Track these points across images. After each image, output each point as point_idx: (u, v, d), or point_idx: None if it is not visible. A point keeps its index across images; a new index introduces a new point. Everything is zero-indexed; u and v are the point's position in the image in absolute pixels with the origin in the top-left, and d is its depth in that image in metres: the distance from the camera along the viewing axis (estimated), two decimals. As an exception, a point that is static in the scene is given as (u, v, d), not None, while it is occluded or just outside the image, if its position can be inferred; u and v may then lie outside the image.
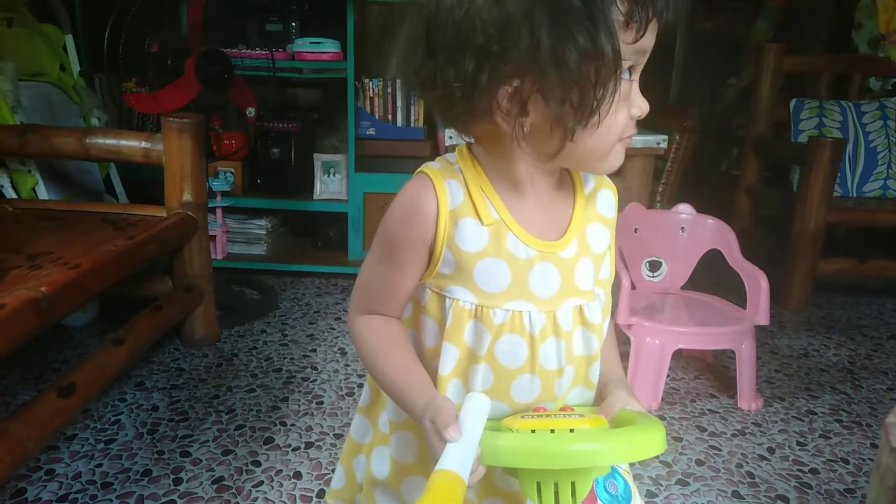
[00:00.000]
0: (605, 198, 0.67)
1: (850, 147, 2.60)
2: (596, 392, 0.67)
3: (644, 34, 0.53)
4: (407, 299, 0.64)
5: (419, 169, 0.62)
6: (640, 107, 0.57)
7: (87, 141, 1.76)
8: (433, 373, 0.62)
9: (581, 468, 0.51)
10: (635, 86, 0.57)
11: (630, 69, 0.56)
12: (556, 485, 0.51)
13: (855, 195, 2.62)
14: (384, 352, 0.62)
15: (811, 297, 2.43)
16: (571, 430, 0.52)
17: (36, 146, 1.76)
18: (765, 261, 1.81)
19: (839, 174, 2.46)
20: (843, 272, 2.46)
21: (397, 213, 0.61)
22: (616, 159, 0.59)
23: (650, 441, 0.50)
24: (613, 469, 0.60)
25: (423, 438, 0.62)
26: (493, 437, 0.51)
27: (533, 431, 0.52)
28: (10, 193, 1.87)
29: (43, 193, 1.92)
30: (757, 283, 1.68)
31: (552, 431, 0.52)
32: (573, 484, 0.51)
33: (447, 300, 0.60)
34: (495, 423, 0.58)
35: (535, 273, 0.60)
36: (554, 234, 0.62)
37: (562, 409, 0.57)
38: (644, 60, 0.56)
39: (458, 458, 0.49)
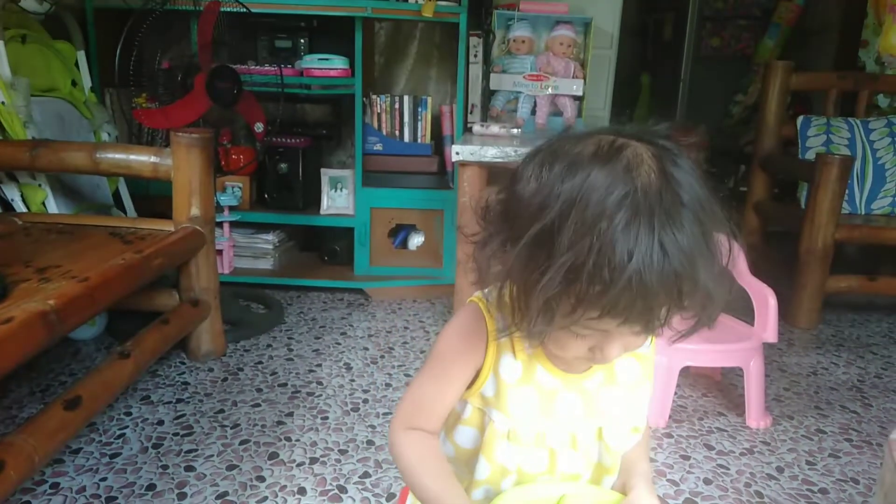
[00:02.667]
0: None
1: (857, 164, 2.59)
2: (619, 476, 0.73)
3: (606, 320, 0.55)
4: (447, 415, 0.71)
5: (475, 297, 0.69)
6: (603, 353, 0.60)
7: (97, 155, 1.77)
8: (469, 470, 0.70)
9: None
10: (612, 341, 0.59)
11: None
12: None
13: (863, 212, 2.61)
14: (424, 464, 0.67)
15: (820, 314, 2.41)
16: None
17: (46, 160, 1.77)
18: (773, 278, 1.80)
19: (847, 191, 2.45)
20: (853, 289, 2.44)
21: (453, 339, 0.69)
22: (576, 367, 0.67)
23: None
24: None
25: None
26: None
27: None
28: (21, 207, 1.89)
29: (52, 207, 1.94)
30: (765, 300, 1.67)
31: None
32: None
33: (486, 417, 0.69)
34: None
35: (559, 400, 0.68)
36: (581, 368, 0.69)
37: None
38: (624, 333, 0.58)
39: None
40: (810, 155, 2.59)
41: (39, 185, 1.92)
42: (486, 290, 0.66)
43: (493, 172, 2.02)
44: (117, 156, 1.79)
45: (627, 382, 0.70)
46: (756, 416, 1.69)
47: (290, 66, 2.48)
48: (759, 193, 2.85)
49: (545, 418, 0.67)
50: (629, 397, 0.70)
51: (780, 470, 1.50)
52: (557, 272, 0.52)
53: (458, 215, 2.05)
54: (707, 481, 1.45)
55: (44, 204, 1.93)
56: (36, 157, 1.76)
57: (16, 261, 1.46)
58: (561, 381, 0.68)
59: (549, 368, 0.67)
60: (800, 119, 2.72)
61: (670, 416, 1.69)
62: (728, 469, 1.50)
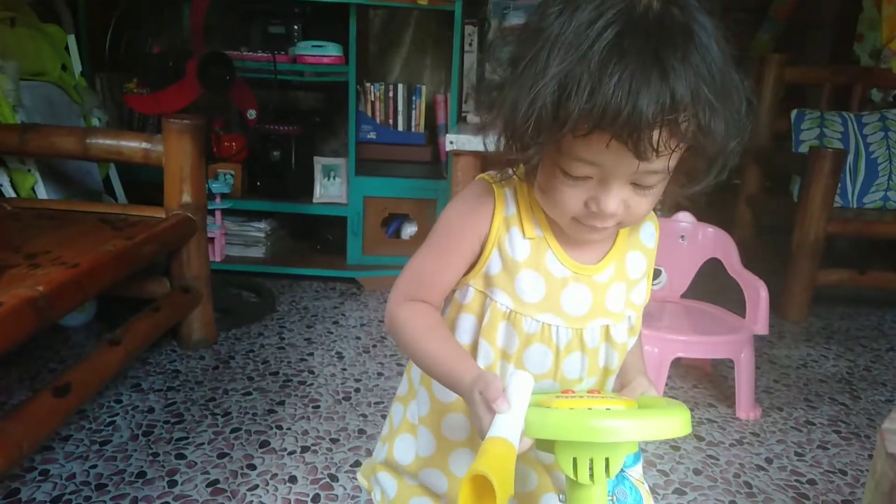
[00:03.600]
0: (648, 229, 0.71)
1: (850, 158, 2.60)
2: (617, 378, 0.71)
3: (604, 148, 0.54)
4: (448, 291, 0.68)
5: (484, 175, 0.67)
6: (599, 205, 0.58)
7: (88, 141, 1.76)
8: None
9: (615, 445, 0.54)
10: (608, 188, 0.57)
11: (603, 175, 0.57)
12: (591, 460, 0.54)
13: (855, 206, 2.62)
14: (430, 332, 0.64)
15: (810, 307, 2.43)
16: (608, 409, 0.55)
17: (36, 145, 1.75)
18: (765, 270, 1.80)
19: (840, 185, 2.46)
20: (843, 283, 2.46)
21: (458, 206, 0.66)
22: (574, 233, 0.63)
23: (680, 422, 0.54)
24: (623, 477, 0.61)
25: (439, 437, 0.70)
26: (537, 412, 0.54)
27: (571, 409, 0.55)
28: (10, 192, 1.87)
29: (42, 193, 1.92)
30: (756, 292, 1.68)
31: (589, 409, 0.55)
32: (607, 460, 0.54)
33: (488, 299, 0.65)
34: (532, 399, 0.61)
35: (567, 291, 0.65)
36: (593, 258, 0.66)
37: (589, 392, 0.60)
38: (618, 175, 0.56)
39: (508, 427, 0.52)
40: (804, 148, 2.59)
41: (29, 171, 1.90)
42: (494, 171, 0.65)
43: (487, 162, 2.01)
44: (108, 141, 1.77)
45: (633, 279, 0.69)
46: (746, 408, 1.70)
47: (283, 52, 2.46)
48: (751, 187, 2.86)
49: (551, 310, 0.64)
50: (629, 291, 0.69)
51: (769, 461, 1.52)
52: (551, 80, 0.51)
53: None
54: (697, 472, 1.45)
55: (33, 189, 1.91)
56: (25, 142, 1.74)
57: (5, 246, 1.44)
58: (572, 270, 0.65)
59: (560, 256, 0.65)
60: (794, 113, 2.73)
61: (661, 407, 1.70)
62: (717, 460, 1.51)
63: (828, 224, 2.33)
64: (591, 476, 0.54)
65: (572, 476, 0.54)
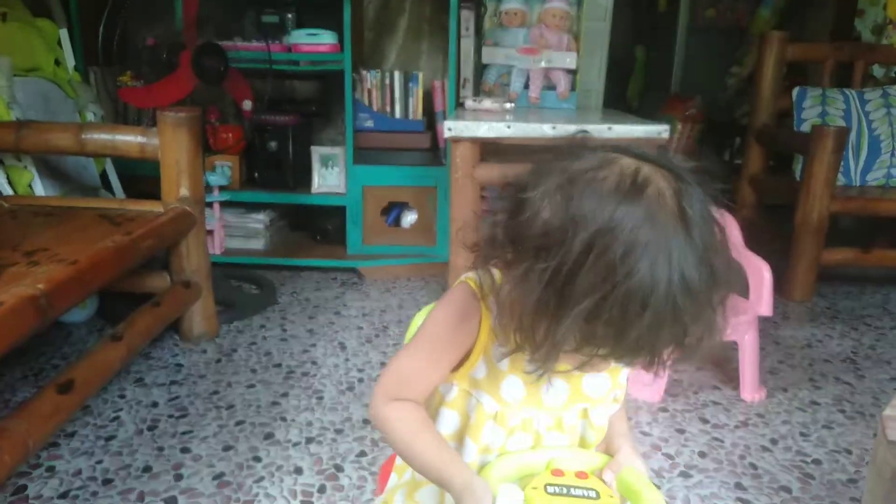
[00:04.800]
0: None
1: (853, 135, 2.58)
2: (603, 439, 0.73)
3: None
4: (433, 391, 0.71)
5: (467, 279, 0.68)
6: (595, 370, 0.60)
7: (83, 136, 1.74)
8: None
9: None
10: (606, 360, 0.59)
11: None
12: None
13: (858, 184, 2.60)
14: (420, 433, 0.66)
15: (815, 287, 2.42)
16: None
17: (31, 142, 1.74)
18: (768, 251, 1.79)
19: (842, 163, 2.44)
20: (847, 262, 2.44)
21: (447, 316, 0.68)
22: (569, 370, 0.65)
23: None
24: None
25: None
26: None
27: None
28: (6, 189, 1.86)
29: (39, 189, 1.91)
30: (760, 273, 1.67)
31: None
32: None
33: (473, 399, 0.69)
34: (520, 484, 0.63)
35: (546, 387, 0.68)
36: None
37: (577, 475, 0.62)
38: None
39: None
40: (806, 127, 2.57)
41: (25, 167, 1.89)
42: (479, 272, 0.66)
43: (486, 148, 1.99)
44: (103, 136, 1.76)
45: (613, 366, 0.70)
46: (750, 390, 1.69)
47: (277, 41, 2.44)
48: (754, 166, 2.84)
49: (533, 405, 0.68)
50: (614, 378, 0.71)
51: (774, 442, 1.51)
52: (575, 319, 0.52)
53: (452, 193, 2.03)
54: (702, 454, 1.45)
55: (30, 186, 1.90)
56: (21, 139, 1.73)
57: (3, 244, 1.44)
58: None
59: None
60: (795, 90, 2.70)
61: (666, 391, 1.69)
62: (723, 442, 1.51)
63: (831, 202, 2.32)
64: None
65: None
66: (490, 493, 0.58)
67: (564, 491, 0.58)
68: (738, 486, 1.35)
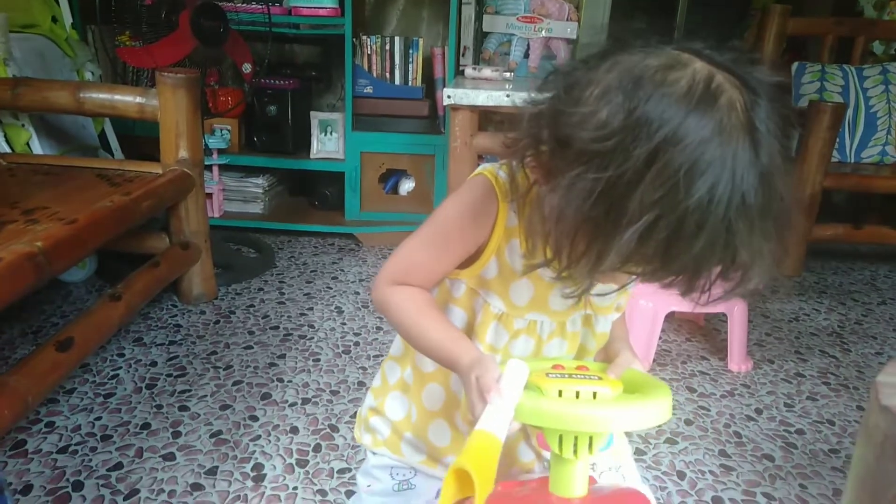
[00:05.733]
0: None
1: (850, 112, 2.58)
2: (602, 348, 0.71)
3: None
4: (438, 283, 0.68)
5: (486, 171, 0.62)
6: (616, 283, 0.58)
7: (81, 95, 1.74)
8: None
9: None
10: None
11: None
12: (575, 438, 0.56)
13: (853, 160, 2.61)
14: (425, 313, 0.64)
15: (805, 262, 2.45)
16: (594, 395, 0.56)
17: (28, 100, 1.74)
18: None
19: (838, 139, 2.44)
20: (838, 238, 2.47)
21: (460, 207, 0.64)
22: None
23: (664, 408, 0.55)
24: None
25: (420, 406, 0.72)
26: (528, 398, 0.55)
27: (560, 394, 0.56)
28: (4, 147, 1.86)
29: (37, 148, 1.90)
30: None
31: (577, 395, 0.56)
32: (591, 438, 0.56)
33: (480, 299, 0.66)
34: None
35: (555, 292, 0.65)
36: None
37: (578, 368, 0.60)
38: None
39: (497, 420, 0.53)
40: (803, 102, 2.57)
41: (23, 126, 1.88)
42: (505, 167, 0.61)
43: (486, 115, 2.00)
44: (101, 96, 1.75)
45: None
46: (738, 361, 1.73)
47: (277, 3, 2.41)
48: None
49: (539, 309, 0.65)
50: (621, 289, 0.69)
51: (758, 411, 1.55)
52: (629, 240, 0.47)
53: (451, 161, 2.03)
54: (688, 422, 1.49)
55: (28, 145, 1.90)
56: (18, 96, 1.72)
57: (1, 202, 1.44)
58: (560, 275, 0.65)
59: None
60: (794, 65, 2.69)
61: (654, 360, 1.73)
62: (709, 410, 1.54)
63: (825, 178, 2.33)
64: (575, 452, 0.56)
65: (556, 451, 0.56)
66: (497, 366, 0.56)
67: (566, 376, 0.58)
68: (723, 453, 1.39)
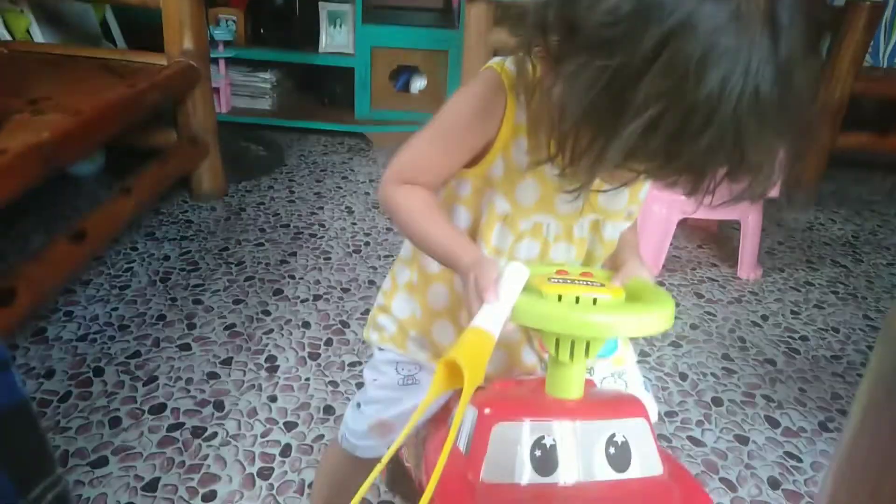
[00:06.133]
0: None
1: (888, 13, 2.44)
2: (610, 255, 0.70)
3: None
4: (445, 182, 0.67)
5: (495, 64, 0.60)
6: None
7: (80, -21, 1.66)
8: None
9: None
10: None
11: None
12: (572, 342, 0.56)
13: (885, 65, 2.50)
14: (428, 213, 0.63)
15: (825, 170, 2.39)
16: (594, 301, 0.56)
17: (26, -17, 1.67)
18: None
19: (872, 42, 2.33)
20: (863, 146, 2.39)
21: (469, 101, 0.62)
22: None
23: (663, 317, 0.55)
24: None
25: (425, 305, 0.72)
26: (527, 300, 0.55)
27: (560, 299, 0.56)
28: (4, 34, 1.80)
29: (38, 35, 1.85)
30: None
31: (577, 300, 0.56)
32: (588, 343, 0.56)
33: (485, 199, 0.65)
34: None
35: (562, 194, 0.62)
36: None
37: (582, 274, 0.60)
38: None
39: (491, 318, 0.53)
40: (839, 1, 2.43)
41: (21, 11, 1.82)
42: (515, 58, 0.58)
43: (502, 10, 1.90)
44: (101, -20, 1.67)
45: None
46: (748, 268, 1.73)
47: None
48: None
49: (545, 210, 0.64)
50: (633, 193, 0.67)
51: (764, 318, 1.57)
52: (633, 133, 0.45)
53: (465, 58, 1.96)
54: (693, 326, 1.51)
55: (28, 32, 1.84)
56: (14, -21, 1.65)
57: (5, 91, 1.41)
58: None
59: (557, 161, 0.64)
60: (834, -40, 2.52)
61: (664, 266, 1.73)
62: (715, 316, 1.56)
63: (855, 83, 2.24)
64: (572, 356, 0.56)
65: (553, 354, 0.56)
66: (497, 266, 0.55)
67: (569, 281, 0.57)
68: (726, 356, 1.41)
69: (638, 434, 0.56)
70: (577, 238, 0.67)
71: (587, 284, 0.57)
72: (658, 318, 0.54)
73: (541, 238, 0.66)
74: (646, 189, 0.68)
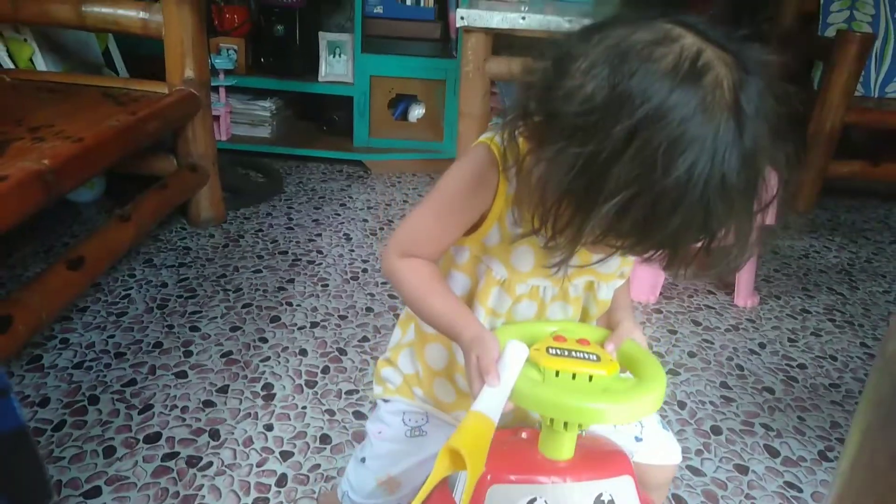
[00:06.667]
0: None
1: (878, 43, 2.48)
2: (604, 313, 0.72)
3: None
4: (444, 253, 0.69)
5: (487, 139, 0.63)
6: (605, 261, 0.58)
7: (83, 9, 1.68)
8: None
9: None
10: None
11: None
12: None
13: (877, 95, 2.54)
14: (430, 286, 0.65)
15: (819, 198, 2.41)
16: (590, 378, 0.58)
17: (29, 12, 1.69)
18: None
19: (863, 72, 2.37)
20: (855, 175, 2.42)
21: (463, 176, 0.65)
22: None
23: (653, 403, 0.58)
24: None
25: (424, 363, 0.74)
26: (525, 383, 0.57)
27: (557, 374, 0.58)
28: (7, 63, 1.82)
29: (41, 64, 1.87)
30: (767, 181, 1.66)
31: (574, 377, 0.58)
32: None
33: (483, 265, 0.67)
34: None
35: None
36: None
37: (579, 342, 0.62)
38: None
39: (492, 403, 0.55)
40: (830, 32, 2.48)
41: (25, 40, 1.84)
42: (503, 136, 0.61)
43: (500, 40, 1.93)
44: (104, 10, 1.70)
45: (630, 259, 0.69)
46: (744, 296, 1.73)
47: (284, -85, 2.30)
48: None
49: (541, 275, 0.66)
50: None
51: (762, 346, 1.57)
52: (606, 215, 0.48)
53: (462, 87, 1.98)
54: (691, 354, 1.51)
55: (31, 60, 1.86)
56: (18, 9, 1.67)
57: (7, 119, 1.43)
58: None
59: None
60: (824, -8, 2.58)
61: (661, 293, 1.73)
62: (712, 343, 1.56)
63: (847, 113, 2.27)
64: (566, 427, 0.58)
65: (547, 424, 0.59)
66: (498, 345, 0.58)
67: (566, 353, 0.59)
68: (724, 385, 1.41)
69: (624, 491, 0.60)
70: (572, 297, 0.69)
71: (584, 359, 0.59)
72: (648, 404, 0.58)
73: (538, 299, 0.68)
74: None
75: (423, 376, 0.75)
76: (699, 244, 0.52)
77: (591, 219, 0.49)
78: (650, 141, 0.47)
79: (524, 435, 0.65)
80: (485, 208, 0.64)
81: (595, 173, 0.48)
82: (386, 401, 0.77)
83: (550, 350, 0.59)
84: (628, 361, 0.64)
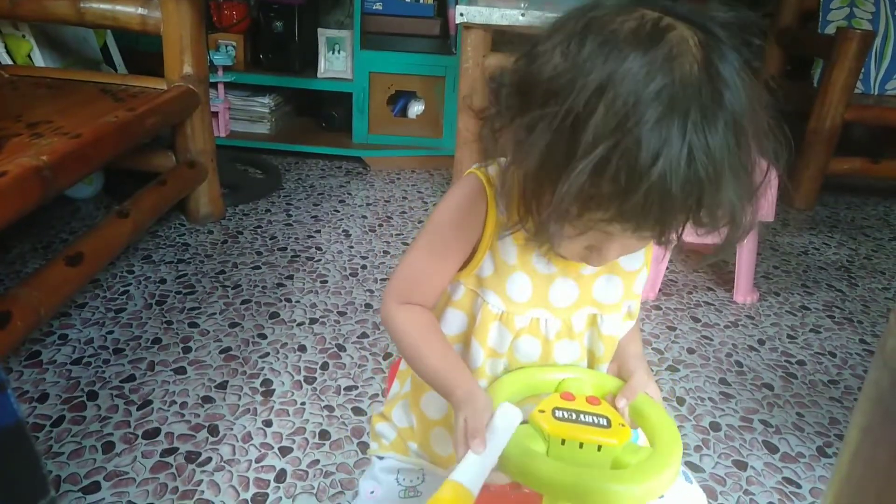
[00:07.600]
0: None
1: (878, 41, 2.48)
2: (614, 362, 0.70)
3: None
4: (442, 292, 0.68)
5: (476, 171, 0.63)
6: (600, 254, 0.57)
7: (82, 5, 1.68)
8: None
9: None
10: (612, 241, 0.55)
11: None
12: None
13: (876, 92, 2.54)
14: (427, 338, 0.64)
15: (818, 195, 2.41)
16: (599, 448, 0.54)
17: (28, 9, 1.68)
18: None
19: (863, 70, 2.36)
20: (855, 171, 2.42)
21: (452, 210, 0.65)
22: (573, 258, 0.61)
23: (669, 479, 0.54)
24: None
25: (420, 413, 0.72)
26: (526, 455, 0.53)
27: (563, 443, 0.54)
28: (5, 59, 1.82)
29: (39, 60, 1.86)
30: (766, 177, 1.66)
31: (581, 446, 0.54)
32: None
33: (479, 299, 0.66)
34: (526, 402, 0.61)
35: (555, 286, 0.65)
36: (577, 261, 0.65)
37: (589, 400, 0.59)
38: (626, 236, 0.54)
39: (473, 472, 0.51)
40: (830, 29, 2.47)
41: (23, 36, 1.84)
42: (487, 163, 0.62)
43: (499, 36, 1.93)
44: (103, 6, 1.69)
45: (628, 270, 0.67)
46: (744, 292, 1.73)
47: (283, -89, 2.30)
48: (770, 70, 2.75)
49: (540, 305, 0.65)
50: (628, 285, 0.68)
51: (761, 342, 1.57)
52: (583, 172, 0.47)
53: (462, 83, 1.98)
54: (690, 350, 1.51)
55: (29, 57, 1.85)
56: (16, 5, 1.67)
57: (5, 115, 1.42)
58: (558, 267, 0.65)
59: (546, 254, 0.64)
60: (824, -11, 2.57)
61: (660, 290, 1.73)
62: (711, 340, 1.56)
63: (846, 110, 2.27)
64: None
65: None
66: (490, 409, 0.55)
67: (573, 417, 0.55)
68: (723, 381, 1.41)
69: None
70: (577, 332, 0.67)
71: (593, 424, 0.55)
72: (664, 482, 0.53)
73: (540, 336, 0.66)
74: (640, 282, 0.69)
75: (417, 428, 0.72)
76: (688, 209, 0.50)
77: (570, 179, 0.48)
78: (618, 95, 0.47)
79: (528, 492, 0.60)
80: (476, 237, 0.63)
81: (569, 130, 0.48)
82: (380, 458, 0.74)
83: (557, 413, 0.55)
84: (641, 419, 0.60)
